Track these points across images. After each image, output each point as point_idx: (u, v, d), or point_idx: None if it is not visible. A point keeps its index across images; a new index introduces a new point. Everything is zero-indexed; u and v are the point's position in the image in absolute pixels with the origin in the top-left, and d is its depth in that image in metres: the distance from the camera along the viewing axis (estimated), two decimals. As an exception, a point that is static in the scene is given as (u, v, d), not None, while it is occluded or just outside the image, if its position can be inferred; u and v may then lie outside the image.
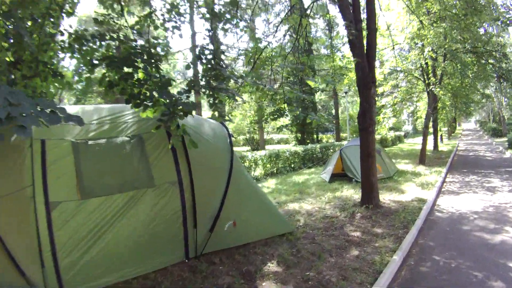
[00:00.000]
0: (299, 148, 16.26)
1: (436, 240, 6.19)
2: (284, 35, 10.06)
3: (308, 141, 23.55)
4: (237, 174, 6.01)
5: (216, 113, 5.03)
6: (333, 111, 30.56)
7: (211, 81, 4.84)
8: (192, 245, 5.50)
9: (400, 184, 10.77)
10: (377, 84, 16.27)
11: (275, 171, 14.82)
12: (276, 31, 9.20)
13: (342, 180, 11.75)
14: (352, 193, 9.78)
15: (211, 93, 4.90)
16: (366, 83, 7.81)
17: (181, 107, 4.55)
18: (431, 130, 19.23)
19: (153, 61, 4.63)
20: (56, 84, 5.32)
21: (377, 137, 23.89)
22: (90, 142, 5.32)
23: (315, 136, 26.79)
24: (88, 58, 4.77)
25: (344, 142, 17.94)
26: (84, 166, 4.98)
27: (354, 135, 25.24)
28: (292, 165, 15.66)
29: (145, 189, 5.17)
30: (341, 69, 8.51)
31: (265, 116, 7.17)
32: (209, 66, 4.83)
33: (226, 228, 5.73)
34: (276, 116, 6.95)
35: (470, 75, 15.75)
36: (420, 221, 6.99)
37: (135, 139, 5.44)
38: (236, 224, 5.85)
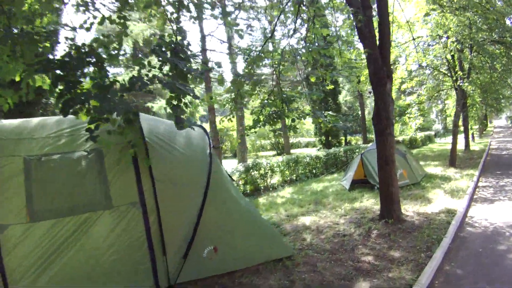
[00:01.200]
0: (321, 153, 15.04)
1: (465, 266, 4.92)
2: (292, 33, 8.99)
3: (336, 143, 22.17)
4: (219, 191, 5.10)
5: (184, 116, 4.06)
6: (359, 112, 28.94)
7: (170, 78, 3.91)
8: (162, 274, 4.62)
9: (427, 192, 9.36)
10: (401, 80, 14.94)
11: (294, 178, 13.70)
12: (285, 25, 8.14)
13: (363, 188, 10.47)
14: (372, 203, 8.53)
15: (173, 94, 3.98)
16: (380, 78, 6.62)
17: (129, 112, 3.64)
18: (461, 128, 17.43)
19: (94, 60, 3.75)
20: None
21: (406, 138, 22.05)
22: (43, 158, 4.59)
23: (342, 138, 25.35)
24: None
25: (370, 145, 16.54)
26: (35, 185, 4.39)
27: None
28: (314, 171, 14.48)
29: (101, 211, 4.40)
30: (351, 62, 7.29)
31: (260, 119, 5.99)
32: (165, 59, 3.89)
33: (206, 254, 4.80)
34: (273, 118, 5.88)
35: (499, 68, 14.04)
36: (447, 240, 5.70)
37: (93, 154, 4.62)
38: (219, 249, 4.91)
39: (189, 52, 4.20)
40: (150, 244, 4.50)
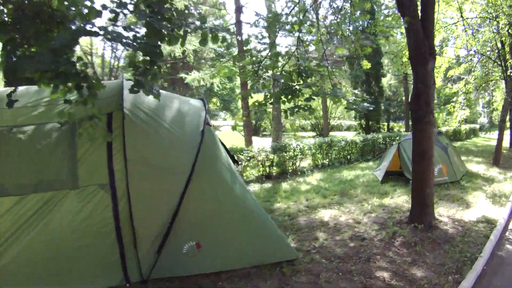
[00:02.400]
0: (358, 137, 13.78)
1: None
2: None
3: (376, 128, 20.59)
4: (208, 178, 4.32)
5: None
6: (403, 98, 26.78)
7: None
8: (133, 267, 3.97)
9: (467, 193, 7.99)
10: (448, 66, 13.12)
11: (326, 163, 12.65)
12: None
13: (397, 180, 9.27)
14: (404, 200, 7.40)
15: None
16: (420, 54, 5.41)
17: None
18: (508, 124, 15.28)
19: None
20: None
21: (450, 129, 19.77)
22: (14, 130, 4.04)
23: (385, 124, 23.60)
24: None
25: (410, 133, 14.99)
26: (1, 158, 3.89)
27: None
28: (349, 157, 13.32)
29: (66, 191, 3.83)
30: (385, 30, 6.00)
31: (267, 97, 4.99)
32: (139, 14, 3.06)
33: (186, 250, 4.10)
34: (286, 95, 4.85)
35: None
36: (483, 261, 4.55)
37: (66, 126, 3.92)
38: (203, 246, 4.18)
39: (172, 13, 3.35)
40: (119, 233, 3.86)
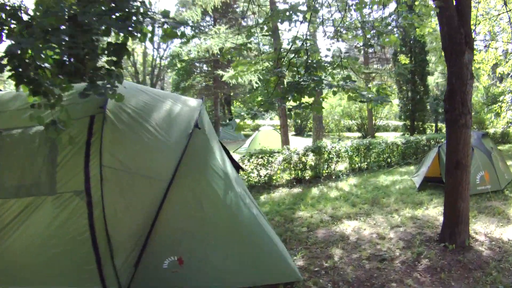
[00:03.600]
0: (399, 139, 12.67)
1: None
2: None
3: (421, 129, 19.02)
4: (193, 188, 3.88)
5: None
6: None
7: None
8: (112, 278, 3.58)
9: (510, 206, 6.80)
10: (495, 62, 11.53)
11: (364, 166, 11.75)
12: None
13: (436, 188, 8.24)
14: (439, 212, 6.46)
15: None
16: (455, 44, 4.57)
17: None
18: None
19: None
20: None
21: (498, 131, 17.40)
22: (4, 133, 3.92)
23: (432, 125, 21.79)
24: None
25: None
26: None
27: (475, 127, 19.13)
28: (389, 160, 12.30)
29: (45, 197, 3.59)
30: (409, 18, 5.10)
31: (268, 93, 4.34)
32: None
33: (167, 266, 3.70)
34: (291, 92, 4.20)
35: None
36: None
37: (50, 130, 3.65)
38: (187, 262, 3.73)
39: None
40: (95, 242, 3.51)
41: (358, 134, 25.41)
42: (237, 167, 5.00)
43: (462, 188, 4.83)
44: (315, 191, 8.94)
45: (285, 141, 14.28)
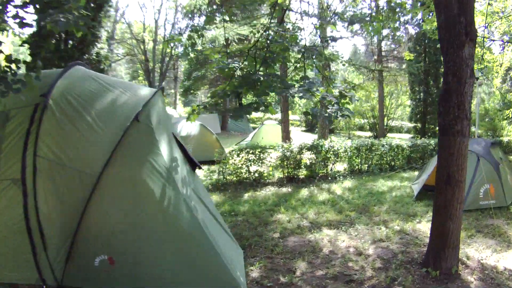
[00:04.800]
0: (404, 142, 11.76)
1: None
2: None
3: (433, 132, 17.88)
4: (126, 186, 3.46)
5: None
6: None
7: None
8: (47, 269, 3.33)
9: None
10: (509, 66, 10.38)
11: (365, 168, 10.92)
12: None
13: (436, 200, 7.41)
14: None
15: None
16: (453, 35, 3.77)
17: None
18: None
19: None
20: None
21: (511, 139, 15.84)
22: None
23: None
24: None
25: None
26: None
27: (483, 133, 17.58)
28: (393, 163, 11.42)
29: None
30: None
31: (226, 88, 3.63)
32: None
33: (97, 264, 3.35)
34: (243, 86, 3.49)
35: None
36: None
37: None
38: (120, 262, 3.36)
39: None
40: (30, 232, 3.28)
41: (370, 134, 24.39)
42: (193, 165, 4.34)
43: (452, 207, 4.05)
44: (304, 192, 8.22)
45: (286, 137, 13.57)
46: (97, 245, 3.39)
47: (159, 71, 21.98)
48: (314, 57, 3.85)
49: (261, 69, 3.52)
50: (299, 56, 4.83)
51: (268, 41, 3.63)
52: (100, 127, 3.49)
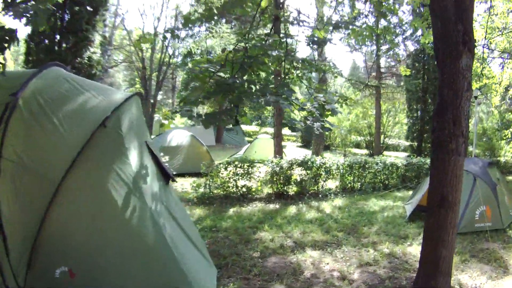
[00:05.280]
0: (399, 160, 11.42)
1: None
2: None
3: (429, 151, 17.62)
4: (88, 195, 3.19)
5: None
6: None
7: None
8: (9, 274, 3.01)
9: (510, 250, 5.57)
10: (508, 84, 10.05)
11: (358, 186, 10.54)
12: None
13: (429, 222, 7.03)
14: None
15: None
16: (449, 44, 3.49)
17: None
18: None
19: None
20: None
21: (510, 160, 15.32)
22: None
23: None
24: None
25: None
26: None
27: (481, 153, 17.11)
28: (387, 182, 11.07)
29: None
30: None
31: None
32: None
33: (58, 275, 3.05)
34: (218, 92, 3.14)
35: None
36: None
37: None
38: (81, 275, 3.05)
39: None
40: None
41: (366, 151, 24.09)
42: (167, 177, 3.99)
43: (445, 232, 3.69)
44: (292, 209, 7.84)
45: (278, 152, 13.18)
46: (58, 256, 3.10)
47: (155, 79, 21.73)
48: (295, 63, 3.54)
49: (240, 75, 3.21)
50: (288, 64, 4.54)
51: (247, 45, 3.33)
52: (66, 130, 3.20)
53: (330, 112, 3.46)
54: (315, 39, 4.21)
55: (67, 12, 9.58)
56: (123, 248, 3.15)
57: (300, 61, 3.63)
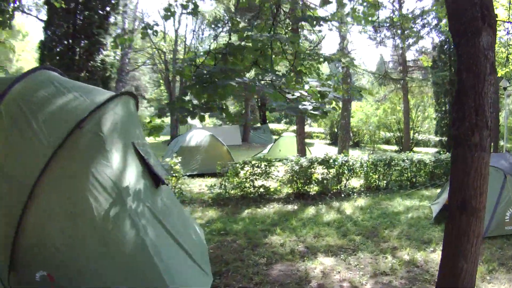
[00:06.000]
0: (427, 157, 10.60)
1: None
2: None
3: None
4: (63, 200, 2.95)
5: None
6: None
7: None
8: None
9: None
10: None
11: (383, 185, 9.87)
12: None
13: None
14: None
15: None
16: (466, 22, 2.92)
17: None
18: None
19: None
20: None
21: None
22: None
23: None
24: None
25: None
26: None
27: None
28: (414, 179, 10.31)
29: None
30: None
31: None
32: None
33: (38, 279, 2.89)
34: (200, 86, 2.77)
35: None
36: None
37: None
38: (60, 280, 2.85)
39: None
40: None
41: (395, 148, 23.01)
42: (157, 179, 3.67)
43: (467, 243, 3.13)
44: (310, 210, 7.37)
45: (301, 150, 12.68)
46: (37, 260, 2.92)
47: (178, 81, 21.74)
48: (287, 46, 3.11)
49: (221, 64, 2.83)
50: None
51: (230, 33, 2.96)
52: (44, 134, 2.99)
53: (334, 104, 2.99)
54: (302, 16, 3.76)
55: (79, 17, 9.61)
56: (100, 254, 2.91)
57: (288, 43, 3.21)
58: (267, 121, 30.63)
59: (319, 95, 2.99)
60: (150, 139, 26.02)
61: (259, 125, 28.37)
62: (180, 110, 2.83)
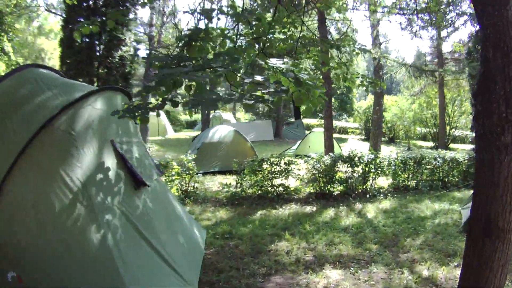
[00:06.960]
0: (461, 155, 9.49)
1: None
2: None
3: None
4: (31, 199, 2.71)
5: None
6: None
7: None
8: None
9: None
10: None
11: (413, 185, 8.96)
12: None
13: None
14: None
15: None
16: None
17: None
18: None
19: None
20: None
21: None
22: None
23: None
24: None
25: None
26: None
27: None
28: (446, 179, 9.29)
29: None
30: None
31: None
32: None
33: (10, 279, 2.73)
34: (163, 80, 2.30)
35: None
36: None
37: None
38: (24, 282, 2.65)
39: None
40: None
41: (431, 144, 21.46)
42: (137, 181, 3.27)
43: (490, 272, 2.47)
44: (329, 213, 6.75)
45: (329, 146, 11.92)
46: (6, 260, 2.73)
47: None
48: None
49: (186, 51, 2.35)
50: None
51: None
52: (16, 134, 2.80)
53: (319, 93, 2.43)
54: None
55: (98, 15, 9.51)
56: (65, 257, 2.68)
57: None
58: (301, 116, 29.64)
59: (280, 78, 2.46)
60: (181, 134, 26.05)
61: (292, 120, 27.47)
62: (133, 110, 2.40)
